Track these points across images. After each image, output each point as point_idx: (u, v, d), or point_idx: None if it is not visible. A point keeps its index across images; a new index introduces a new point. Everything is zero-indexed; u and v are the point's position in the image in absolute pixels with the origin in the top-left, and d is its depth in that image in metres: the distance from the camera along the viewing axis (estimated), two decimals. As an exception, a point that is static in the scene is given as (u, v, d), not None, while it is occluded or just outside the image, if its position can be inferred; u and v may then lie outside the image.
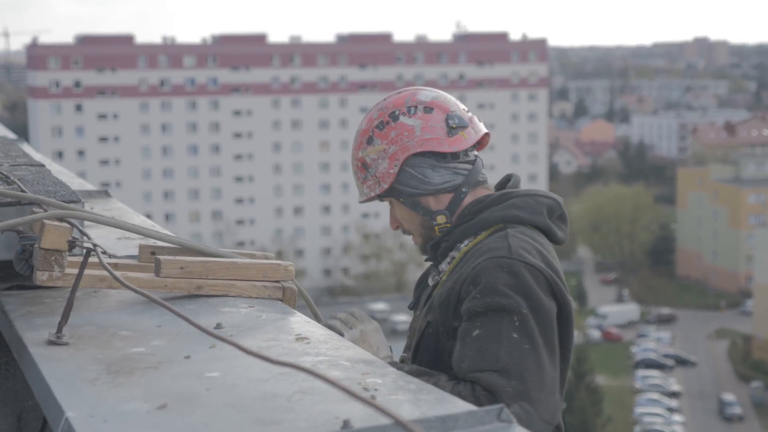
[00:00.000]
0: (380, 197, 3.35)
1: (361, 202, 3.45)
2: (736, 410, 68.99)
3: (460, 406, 1.82)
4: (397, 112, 3.32)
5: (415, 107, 3.33)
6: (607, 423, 62.20)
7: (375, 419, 1.73)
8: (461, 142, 3.34)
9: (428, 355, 3.22)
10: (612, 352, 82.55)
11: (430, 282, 3.39)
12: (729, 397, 70.95)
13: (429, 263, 3.57)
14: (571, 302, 3.23)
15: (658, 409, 68.51)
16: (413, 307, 3.45)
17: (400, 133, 3.29)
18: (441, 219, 3.33)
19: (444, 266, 3.33)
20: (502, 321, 3.03)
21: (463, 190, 3.35)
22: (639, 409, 68.73)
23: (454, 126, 3.33)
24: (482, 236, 3.28)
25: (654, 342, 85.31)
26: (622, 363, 79.73)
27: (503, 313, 3.04)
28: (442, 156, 3.32)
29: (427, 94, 3.37)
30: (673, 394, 73.29)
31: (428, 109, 3.33)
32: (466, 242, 3.30)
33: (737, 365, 79.52)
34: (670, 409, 69.42)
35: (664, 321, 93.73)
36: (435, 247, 3.37)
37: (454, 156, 3.33)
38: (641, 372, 77.35)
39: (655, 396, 71.31)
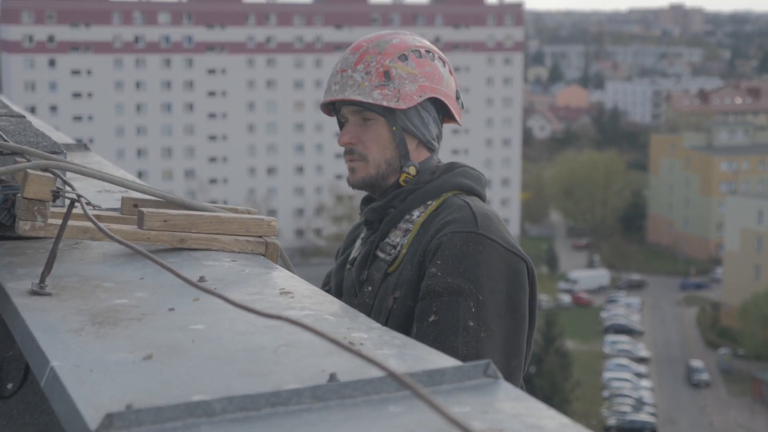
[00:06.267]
0: (376, 111, 3.23)
1: (331, 100, 3.28)
2: (704, 376, 69.53)
3: (446, 360, 1.82)
4: (434, 55, 3.31)
5: (445, 63, 3.36)
6: (575, 387, 62.64)
7: (361, 372, 1.73)
8: (461, 116, 3.39)
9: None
10: (582, 317, 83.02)
11: (382, 255, 3.24)
12: (697, 363, 71.48)
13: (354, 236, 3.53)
14: (533, 267, 3.19)
15: (627, 375, 69.00)
16: (365, 280, 3.27)
17: (434, 72, 3.27)
18: (412, 170, 3.26)
19: (397, 239, 3.22)
20: (459, 307, 2.99)
21: (435, 157, 3.35)
22: (607, 374, 69.22)
23: (461, 100, 3.39)
24: (434, 205, 3.22)
25: (624, 308, 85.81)
26: (591, 328, 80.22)
27: (460, 298, 2.99)
28: (441, 117, 3.34)
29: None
30: (642, 360, 73.81)
31: (450, 71, 3.37)
32: (416, 213, 3.22)
33: (705, 332, 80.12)
34: (639, 375, 69.94)
35: (634, 287, 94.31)
36: (381, 211, 3.28)
37: (441, 124, 3.36)
38: (610, 337, 77.83)
39: (623, 361, 71.79)
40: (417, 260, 3.12)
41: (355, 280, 3.31)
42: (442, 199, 3.23)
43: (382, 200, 3.29)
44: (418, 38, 3.34)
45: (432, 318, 3.00)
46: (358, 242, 3.44)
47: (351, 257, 3.43)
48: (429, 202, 3.23)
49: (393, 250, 3.22)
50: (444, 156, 3.44)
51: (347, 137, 3.27)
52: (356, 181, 3.30)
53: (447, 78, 3.32)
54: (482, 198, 3.30)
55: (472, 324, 2.98)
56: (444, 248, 3.05)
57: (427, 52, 3.29)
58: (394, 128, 3.23)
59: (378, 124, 3.25)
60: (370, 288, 3.24)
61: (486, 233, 3.08)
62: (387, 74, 3.20)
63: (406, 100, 3.20)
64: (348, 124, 3.29)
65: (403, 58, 3.23)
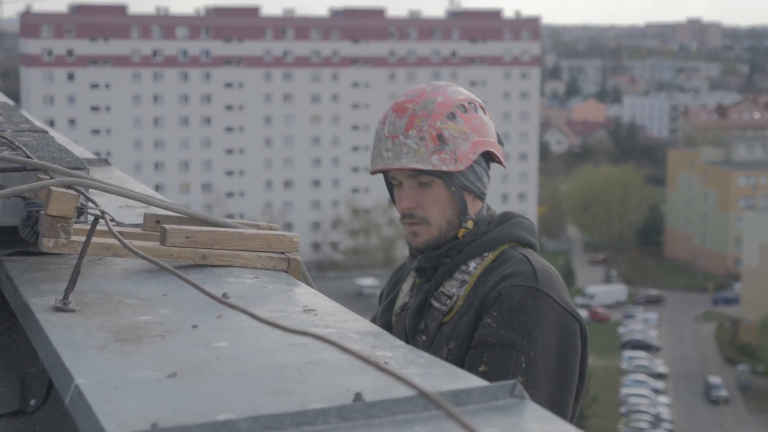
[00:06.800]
0: (433, 174, 3.21)
1: (379, 170, 3.28)
2: (722, 393, 69.22)
3: (473, 380, 1.82)
4: (475, 104, 3.30)
5: (485, 109, 3.34)
6: (592, 403, 62.40)
7: (387, 392, 1.72)
8: (504, 157, 3.38)
9: None
10: (599, 332, 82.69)
11: (437, 305, 3.25)
12: (715, 379, 71.17)
13: (399, 280, 3.52)
14: (587, 329, 3.22)
15: (644, 390, 68.73)
16: (420, 330, 3.28)
17: (480, 125, 3.26)
18: (470, 224, 3.27)
19: (453, 290, 3.23)
20: (510, 361, 3.00)
21: (485, 204, 3.36)
22: (625, 390, 68.96)
23: (501, 141, 3.38)
24: (490, 257, 3.23)
25: (641, 323, 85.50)
26: (609, 343, 79.91)
27: (512, 352, 3.01)
28: (488, 163, 3.34)
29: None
30: (660, 376, 73.51)
31: (490, 116, 3.37)
32: (473, 264, 3.24)
33: (724, 348, 79.77)
34: (656, 391, 69.66)
35: (652, 302, 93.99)
36: (436, 261, 3.29)
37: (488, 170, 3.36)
38: (628, 353, 77.57)
39: (641, 377, 71.54)
40: (474, 312, 3.14)
41: (409, 329, 3.31)
42: (498, 251, 3.25)
43: (438, 250, 3.28)
44: (456, 89, 3.32)
45: (482, 368, 3.02)
46: (405, 286, 3.46)
47: (401, 303, 3.43)
48: (485, 254, 3.25)
49: (449, 301, 3.23)
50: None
51: (407, 202, 3.25)
52: (420, 244, 3.29)
53: (490, 125, 3.31)
54: (535, 249, 3.31)
55: (520, 379, 2.98)
56: (502, 300, 3.07)
57: (470, 103, 3.27)
58: (453, 188, 3.23)
59: (435, 186, 3.24)
60: (424, 338, 3.25)
61: (545, 289, 3.10)
62: (441, 137, 3.18)
63: (463, 160, 3.20)
64: (405, 189, 3.27)
65: (452, 116, 3.21)
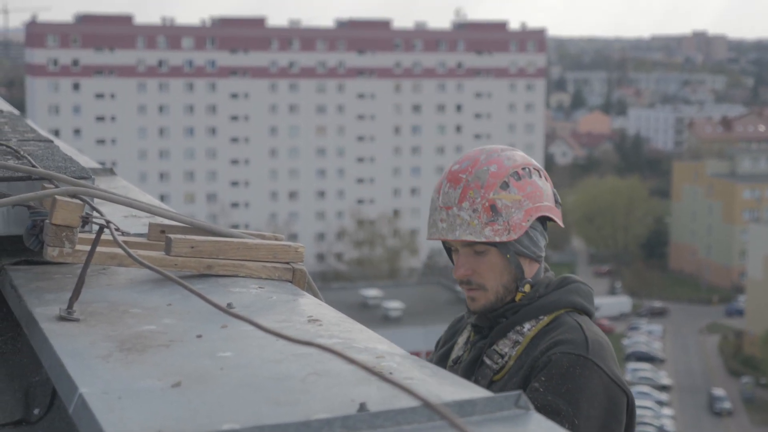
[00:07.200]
0: (489, 244, 3.24)
1: (442, 240, 3.31)
2: (726, 405, 69.10)
3: (477, 391, 1.81)
4: (529, 169, 3.30)
5: (539, 171, 3.35)
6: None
7: (391, 402, 1.71)
8: (561, 217, 3.39)
9: None
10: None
11: (489, 362, 3.29)
12: (719, 391, 71.06)
13: (453, 333, 3.55)
14: (634, 401, 3.26)
15: (648, 402, 68.51)
16: None
17: (535, 191, 3.28)
18: (527, 288, 3.29)
19: (506, 349, 3.27)
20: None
21: (541, 265, 3.37)
22: (629, 402, 68.75)
23: (559, 201, 3.40)
24: (545, 321, 3.26)
25: (645, 335, 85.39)
26: (613, 355, 79.69)
27: (557, 418, 3.01)
28: (545, 225, 3.35)
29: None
30: (664, 388, 73.37)
31: (545, 177, 3.37)
32: (527, 326, 3.26)
33: (728, 360, 79.65)
34: (660, 403, 69.49)
35: (656, 314, 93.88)
36: (492, 320, 3.32)
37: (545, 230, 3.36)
38: (632, 365, 77.40)
39: (645, 389, 71.36)
40: (523, 374, 3.17)
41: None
42: (554, 315, 3.27)
43: (495, 312, 3.33)
44: (511, 154, 3.33)
45: None
46: (461, 339, 3.49)
47: (455, 355, 3.47)
48: (541, 317, 3.28)
49: (500, 360, 3.27)
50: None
51: (463, 270, 3.30)
52: (477, 308, 3.33)
53: (545, 188, 3.33)
54: (591, 316, 3.34)
55: None
56: (551, 366, 3.10)
57: (524, 169, 3.29)
58: (508, 256, 3.26)
59: (491, 254, 3.27)
60: None
61: (594, 359, 3.13)
62: (493, 208, 3.21)
63: (517, 229, 3.23)
64: (461, 257, 3.31)
65: (505, 186, 3.24)
